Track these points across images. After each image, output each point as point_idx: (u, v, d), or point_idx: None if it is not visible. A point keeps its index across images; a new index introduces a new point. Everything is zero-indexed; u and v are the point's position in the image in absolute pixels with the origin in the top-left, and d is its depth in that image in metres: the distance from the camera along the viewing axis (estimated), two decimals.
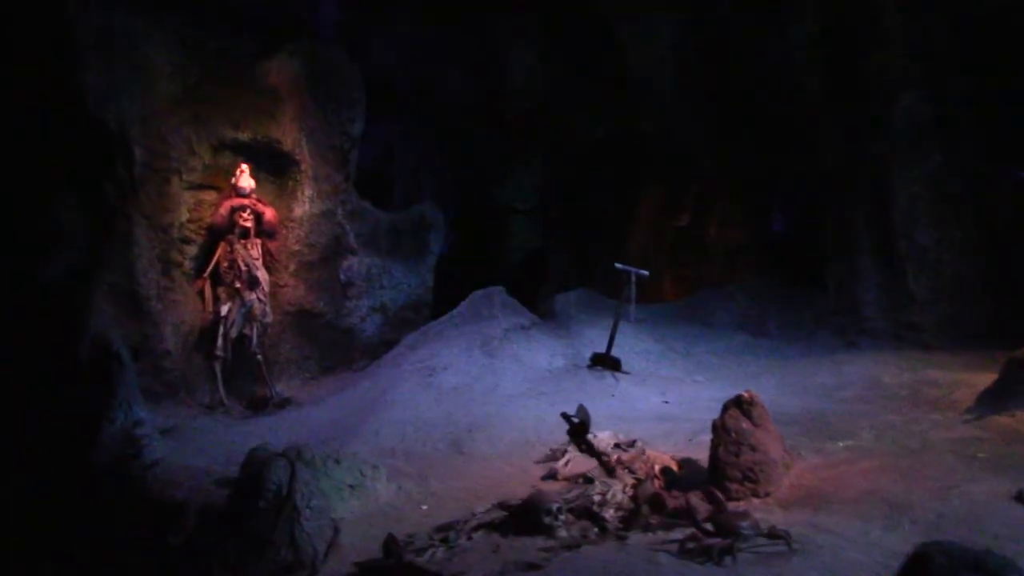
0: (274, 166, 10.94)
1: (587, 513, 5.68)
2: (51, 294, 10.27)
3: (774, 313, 11.04)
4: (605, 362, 9.48)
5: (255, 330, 10.26)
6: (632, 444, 7.22)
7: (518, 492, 6.66)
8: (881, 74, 9.60)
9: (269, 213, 10.53)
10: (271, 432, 9.09)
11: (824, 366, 9.48)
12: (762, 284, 11.72)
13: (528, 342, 9.96)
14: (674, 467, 6.47)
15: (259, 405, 10.11)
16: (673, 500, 5.75)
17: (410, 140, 14.01)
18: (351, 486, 6.78)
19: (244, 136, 10.70)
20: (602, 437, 7.30)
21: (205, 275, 10.41)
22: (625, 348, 10.06)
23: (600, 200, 13.24)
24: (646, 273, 9.53)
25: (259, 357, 10.24)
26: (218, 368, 10.02)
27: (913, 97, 9.42)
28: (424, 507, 6.63)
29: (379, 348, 11.32)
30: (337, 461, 6.86)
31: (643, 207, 13.18)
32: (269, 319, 10.42)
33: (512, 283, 12.75)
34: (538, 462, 7.32)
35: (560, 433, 7.85)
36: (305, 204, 11.08)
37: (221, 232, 10.34)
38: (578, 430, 6.57)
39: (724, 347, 10.48)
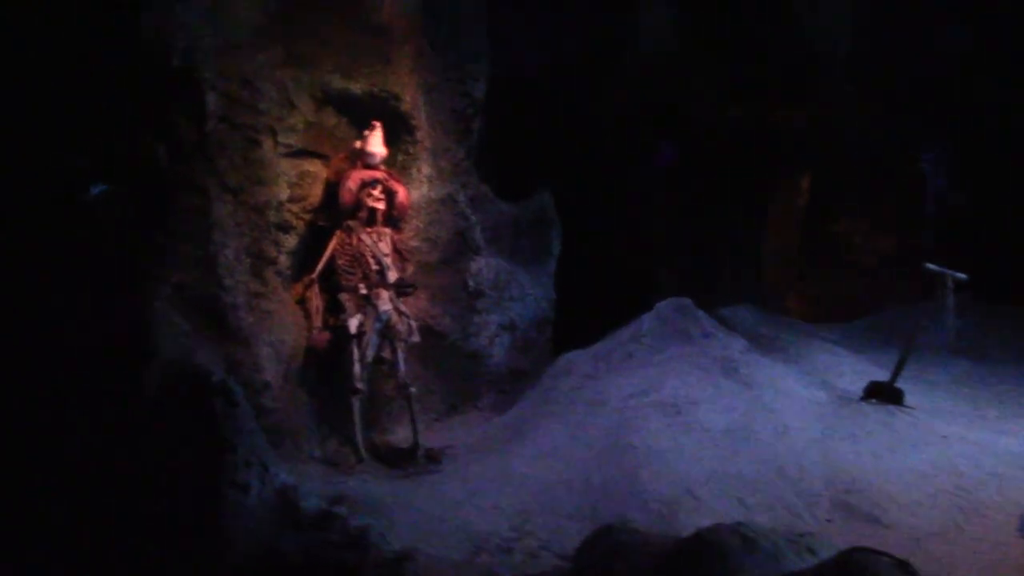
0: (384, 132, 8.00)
1: None
2: (92, 296, 6.96)
3: (992, 334, 9.26)
4: (884, 394, 7.31)
5: (399, 353, 7.27)
6: None
7: None
8: None
9: (403, 192, 7.61)
10: (479, 498, 6.32)
11: None
12: (964, 300, 9.93)
13: (766, 369, 7.61)
14: None
15: (400, 459, 7.17)
16: None
17: None
18: None
19: (357, 88, 7.76)
20: None
21: (314, 276, 7.36)
22: (852, 375, 8.00)
23: (720, 200, 10.96)
24: (964, 276, 7.50)
25: (412, 390, 7.24)
26: (356, 406, 6.97)
27: None
28: None
29: (506, 379, 8.58)
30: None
31: (777, 208, 11.04)
32: (416, 338, 7.44)
33: None
34: None
35: (982, 489, 5.69)
36: (423, 186, 8.20)
37: (342, 216, 7.37)
38: None
39: (955, 375, 8.60)
